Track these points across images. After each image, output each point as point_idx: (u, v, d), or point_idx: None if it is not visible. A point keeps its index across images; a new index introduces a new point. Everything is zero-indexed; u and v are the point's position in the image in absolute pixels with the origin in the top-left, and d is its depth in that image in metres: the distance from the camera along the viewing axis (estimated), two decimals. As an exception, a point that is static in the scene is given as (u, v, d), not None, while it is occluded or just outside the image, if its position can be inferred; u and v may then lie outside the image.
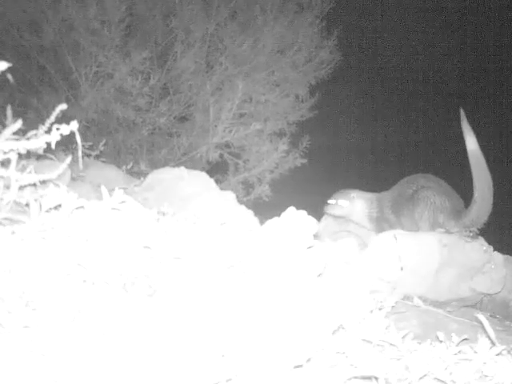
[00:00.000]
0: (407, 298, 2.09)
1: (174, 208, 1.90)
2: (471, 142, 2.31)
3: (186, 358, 0.98)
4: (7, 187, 1.22)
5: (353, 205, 2.67)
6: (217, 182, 2.55)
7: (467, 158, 2.33)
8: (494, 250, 2.29)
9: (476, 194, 2.34)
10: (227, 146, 4.12)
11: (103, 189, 1.29)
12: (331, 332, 1.16)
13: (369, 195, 2.70)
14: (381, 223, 2.62)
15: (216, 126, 3.93)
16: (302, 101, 4.37)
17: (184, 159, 4.04)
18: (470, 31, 7.38)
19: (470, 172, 2.35)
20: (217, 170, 4.09)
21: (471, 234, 2.34)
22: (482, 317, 1.36)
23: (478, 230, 2.39)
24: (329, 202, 2.71)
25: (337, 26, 4.35)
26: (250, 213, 2.26)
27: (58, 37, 3.60)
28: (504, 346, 1.27)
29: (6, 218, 1.21)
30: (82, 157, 2.68)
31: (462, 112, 2.33)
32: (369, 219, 2.66)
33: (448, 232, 2.38)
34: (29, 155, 1.41)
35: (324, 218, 2.79)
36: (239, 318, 1.07)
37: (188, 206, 2.16)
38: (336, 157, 6.46)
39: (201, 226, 1.38)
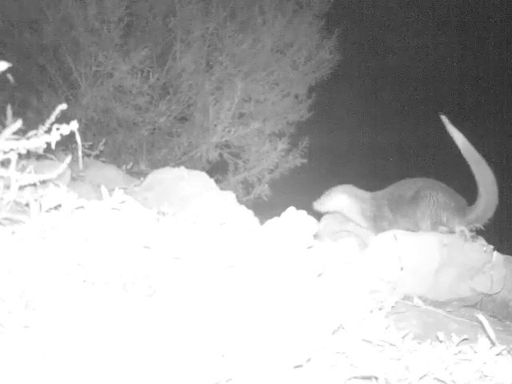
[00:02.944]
0: (407, 297, 2.09)
1: (174, 208, 1.90)
2: (461, 141, 2.36)
3: (186, 358, 0.98)
4: (7, 187, 1.22)
5: (338, 200, 2.67)
6: (217, 181, 2.55)
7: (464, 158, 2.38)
8: (494, 250, 2.30)
9: (480, 188, 2.36)
10: (227, 145, 4.12)
11: (103, 189, 1.29)
12: (331, 332, 1.16)
13: (361, 193, 2.70)
14: (379, 222, 2.62)
15: (215, 125, 3.93)
16: (302, 101, 4.37)
17: (184, 159, 4.04)
18: (471, 31, 7.38)
19: (469, 172, 2.37)
20: (217, 170, 4.09)
21: (472, 234, 2.35)
22: (481, 317, 1.36)
23: (482, 227, 2.40)
24: (319, 198, 2.73)
25: (336, 25, 4.35)
26: (250, 213, 2.26)
27: (58, 36, 3.60)
28: (504, 346, 1.27)
29: (6, 218, 1.21)
30: (82, 157, 2.68)
31: (443, 118, 2.39)
32: (363, 217, 2.67)
33: (451, 231, 2.38)
34: (29, 155, 1.41)
35: (324, 217, 2.79)
36: (239, 318, 1.07)
37: (188, 205, 2.16)
38: (336, 157, 6.46)
39: (201, 225, 1.38)
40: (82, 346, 0.96)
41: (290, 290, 1.14)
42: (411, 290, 2.11)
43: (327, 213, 2.76)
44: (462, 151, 2.37)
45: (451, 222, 2.39)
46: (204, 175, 2.43)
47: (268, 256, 1.19)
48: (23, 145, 1.19)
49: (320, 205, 2.71)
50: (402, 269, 2.09)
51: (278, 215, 1.29)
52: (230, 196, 2.32)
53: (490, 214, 2.39)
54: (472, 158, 2.36)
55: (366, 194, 2.70)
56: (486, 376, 1.20)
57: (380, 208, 2.62)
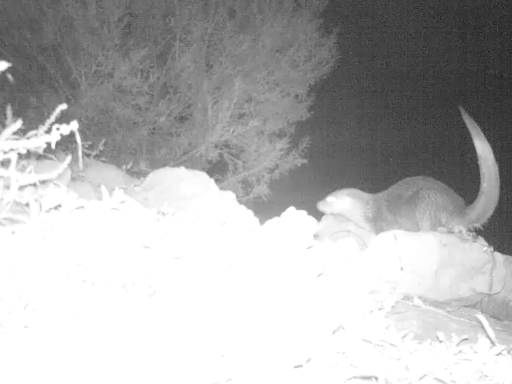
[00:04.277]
0: (407, 298, 2.09)
1: (174, 208, 1.90)
2: (476, 134, 2.35)
3: (186, 358, 0.98)
4: (7, 187, 1.21)
5: (343, 203, 2.68)
6: (216, 181, 2.55)
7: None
8: (494, 250, 2.30)
9: (484, 185, 2.35)
10: (226, 145, 4.12)
11: (103, 189, 1.29)
12: (331, 332, 1.16)
13: (365, 195, 2.71)
14: (379, 223, 2.63)
15: (214, 124, 3.94)
16: (302, 101, 4.37)
17: (184, 159, 4.04)
18: (471, 30, 7.38)
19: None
20: (216, 170, 4.10)
21: (472, 234, 2.35)
22: (481, 317, 1.36)
23: (481, 228, 2.40)
24: (324, 199, 2.74)
25: (336, 24, 4.35)
26: (250, 213, 2.26)
27: (58, 37, 3.60)
28: (504, 346, 1.27)
29: (6, 218, 1.20)
30: (82, 157, 2.68)
31: (461, 109, 2.37)
32: (365, 219, 2.68)
33: (450, 231, 2.38)
34: (29, 155, 1.40)
35: (324, 217, 2.80)
36: (239, 317, 1.07)
37: (188, 205, 2.16)
38: (336, 157, 6.47)
39: (201, 225, 1.38)
40: (82, 346, 0.96)
41: (289, 289, 1.14)
42: (411, 290, 2.11)
43: (331, 214, 2.77)
44: (475, 142, 2.36)
45: (450, 223, 2.40)
46: (204, 175, 2.43)
47: (268, 256, 1.19)
48: (23, 145, 1.19)
49: (324, 206, 2.71)
50: (402, 269, 2.09)
51: (278, 215, 1.29)
52: (229, 196, 2.31)
53: (489, 213, 2.39)
54: (483, 150, 2.34)
55: (369, 196, 2.70)
56: (486, 376, 1.20)
57: (380, 209, 2.63)
